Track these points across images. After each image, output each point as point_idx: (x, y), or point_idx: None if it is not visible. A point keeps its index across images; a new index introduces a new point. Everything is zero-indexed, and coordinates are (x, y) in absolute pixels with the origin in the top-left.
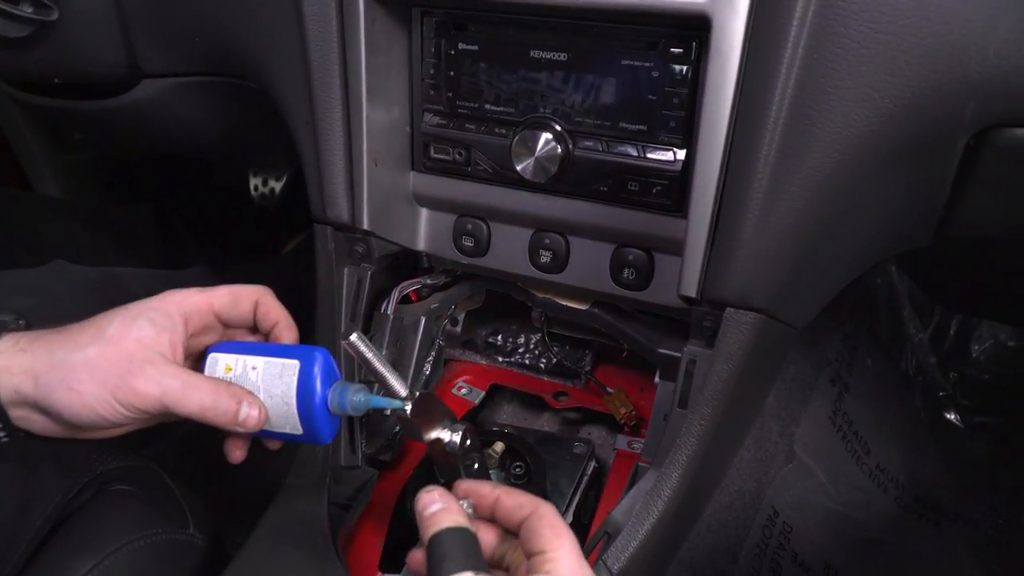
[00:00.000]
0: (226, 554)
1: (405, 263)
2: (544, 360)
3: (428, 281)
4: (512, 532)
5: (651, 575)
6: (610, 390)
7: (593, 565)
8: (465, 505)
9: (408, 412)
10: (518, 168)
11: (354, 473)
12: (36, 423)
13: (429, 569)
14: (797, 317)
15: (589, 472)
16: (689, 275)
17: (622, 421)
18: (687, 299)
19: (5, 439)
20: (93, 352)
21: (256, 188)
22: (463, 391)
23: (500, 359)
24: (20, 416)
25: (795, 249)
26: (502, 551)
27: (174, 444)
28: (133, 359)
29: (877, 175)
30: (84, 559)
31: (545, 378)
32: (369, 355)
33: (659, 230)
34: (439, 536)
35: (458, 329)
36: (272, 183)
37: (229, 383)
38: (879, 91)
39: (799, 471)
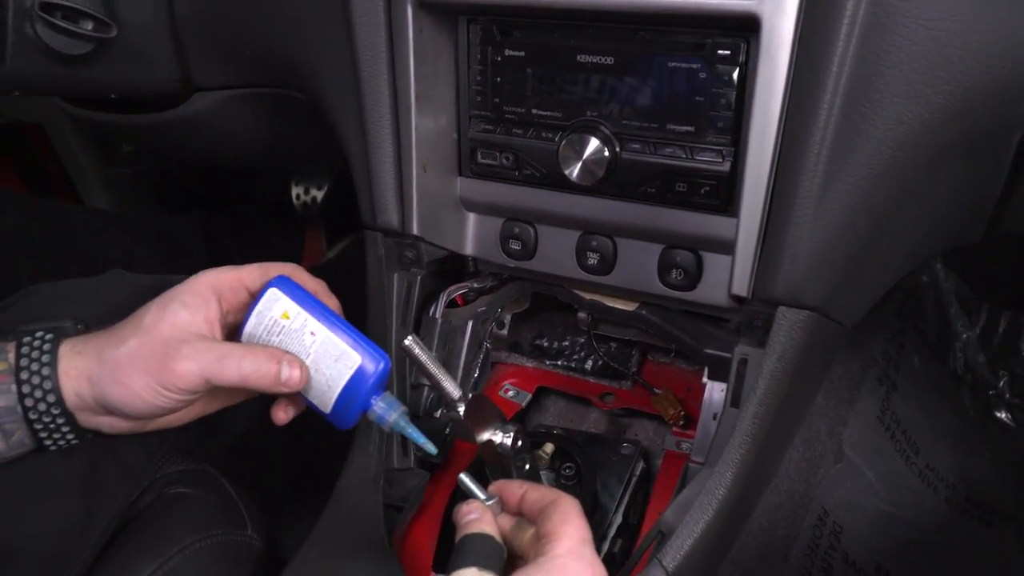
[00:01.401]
0: (280, 555)
1: (452, 268)
2: (590, 362)
3: (475, 285)
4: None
5: (704, 574)
6: (657, 391)
7: (647, 564)
8: (493, 502)
9: (461, 414)
10: (565, 172)
11: (405, 475)
12: (103, 423)
13: (451, 564)
14: (848, 315)
15: (638, 472)
16: (740, 274)
17: (671, 422)
18: (738, 299)
19: (75, 440)
20: (134, 344)
21: (298, 197)
22: (510, 393)
23: (546, 361)
24: (86, 418)
25: (847, 247)
26: (516, 536)
27: (227, 447)
28: (169, 343)
29: (928, 172)
30: (147, 560)
31: (591, 379)
32: (424, 358)
33: (707, 230)
34: (465, 538)
35: (505, 332)
36: (314, 191)
37: (264, 346)
38: (932, 87)
39: (848, 471)
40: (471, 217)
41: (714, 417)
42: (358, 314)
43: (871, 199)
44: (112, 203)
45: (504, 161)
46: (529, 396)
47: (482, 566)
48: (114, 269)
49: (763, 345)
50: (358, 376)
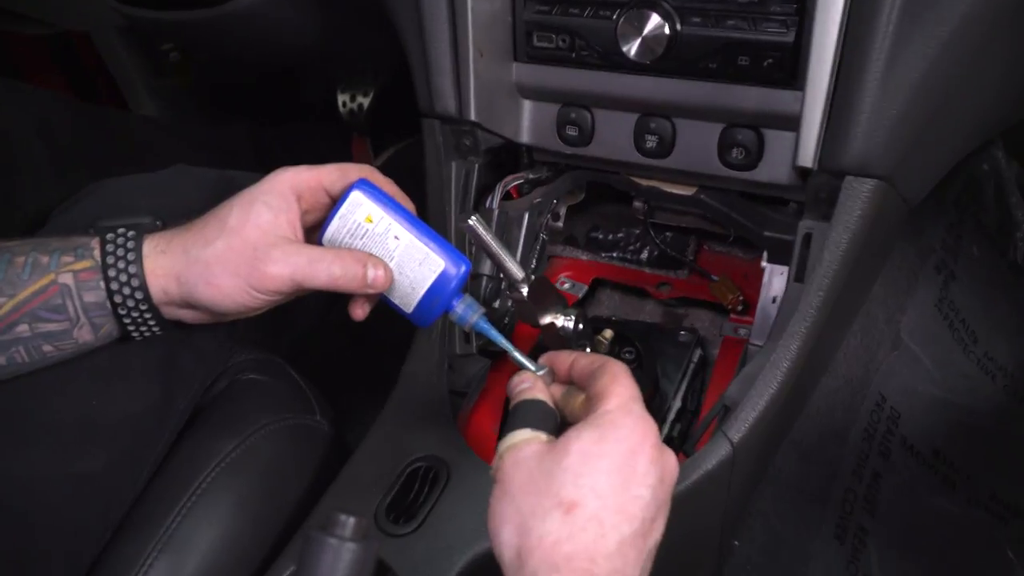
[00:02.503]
0: (346, 443)
1: (506, 160)
2: (645, 252)
3: (530, 176)
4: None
5: (767, 446)
6: (715, 277)
7: (710, 438)
8: (544, 372)
9: (524, 295)
10: (624, 49)
11: (468, 361)
12: (185, 315)
13: (503, 429)
14: (912, 189)
15: (695, 359)
16: (806, 145)
17: (729, 307)
18: (803, 171)
19: (159, 331)
20: (221, 246)
21: (344, 104)
22: (566, 286)
23: (602, 254)
24: (170, 312)
25: (917, 112)
26: (567, 403)
27: (290, 343)
28: (258, 246)
29: (998, 32)
30: (226, 439)
31: (647, 270)
32: (488, 238)
33: (770, 105)
34: (517, 405)
35: (560, 224)
36: (360, 99)
37: (350, 250)
38: None
39: (906, 358)
40: (526, 104)
41: (773, 300)
42: None
43: (942, 60)
44: (159, 114)
45: (560, 43)
46: (585, 288)
47: (535, 427)
48: (177, 164)
49: (828, 219)
50: (441, 279)
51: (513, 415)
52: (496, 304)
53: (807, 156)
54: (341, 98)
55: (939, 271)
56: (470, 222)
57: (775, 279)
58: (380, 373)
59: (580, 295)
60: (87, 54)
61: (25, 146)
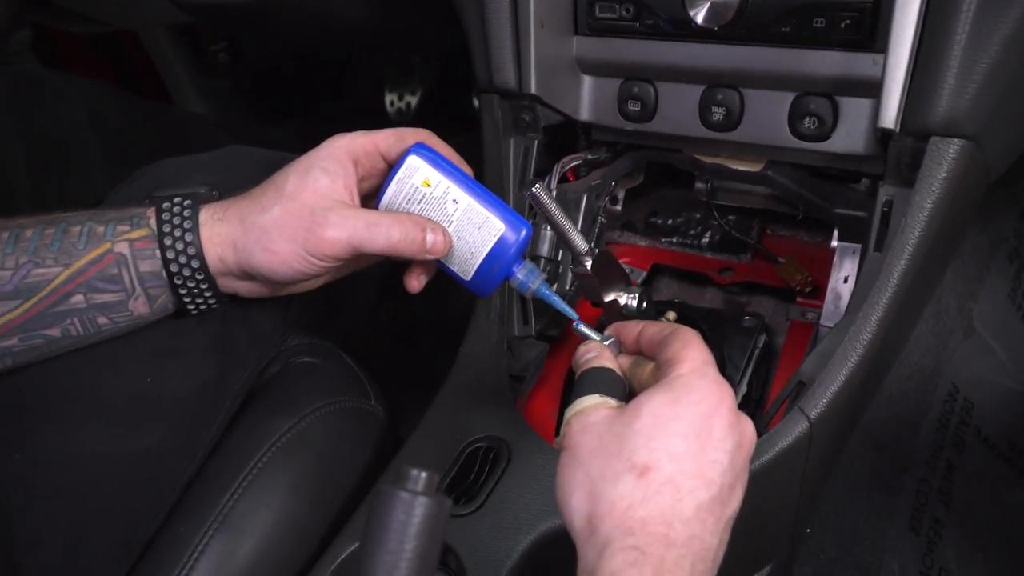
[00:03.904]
0: (399, 429)
1: (564, 142)
2: (707, 237)
3: (589, 156)
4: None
5: (843, 427)
6: (781, 259)
7: (784, 414)
8: (611, 342)
9: (588, 268)
10: (691, 13)
11: (525, 345)
12: (242, 287)
13: (572, 397)
14: (997, 155)
15: (760, 345)
16: (888, 106)
17: (798, 288)
18: (885, 135)
19: (215, 304)
20: (278, 211)
21: (392, 103)
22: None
23: (661, 239)
24: (226, 283)
25: (1007, 69)
26: (635, 374)
27: (343, 330)
28: (315, 211)
29: None
30: (282, 420)
31: (708, 255)
32: (552, 207)
33: (847, 69)
34: (584, 373)
35: (618, 208)
36: (408, 97)
37: (408, 213)
38: None
39: (978, 347)
40: (587, 80)
41: (845, 280)
42: None
43: None
44: (207, 113)
45: (623, 13)
46: (644, 274)
47: (603, 393)
48: (231, 145)
49: (911, 185)
50: (501, 243)
51: (579, 384)
52: (554, 288)
53: (889, 118)
54: (389, 97)
55: (1012, 260)
56: (534, 190)
57: (847, 258)
58: (427, 371)
59: (640, 280)
60: (135, 53)
61: (79, 136)
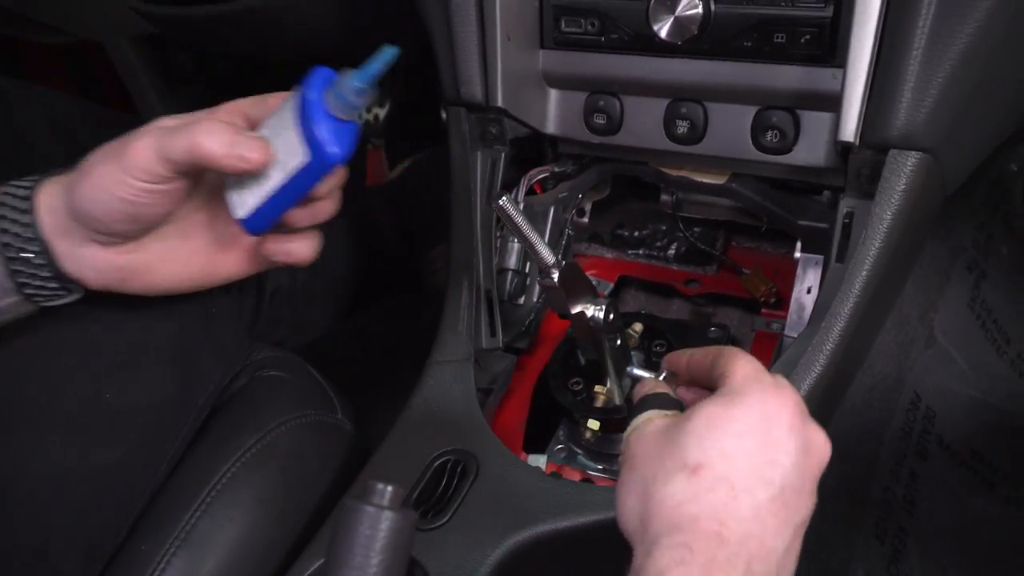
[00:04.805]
0: (367, 443)
1: (530, 155)
2: (673, 249)
3: (556, 169)
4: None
5: None
6: (746, 270)
7: None
8: (665, 375)
9: (555, 280)
10: (655, 28)
11: (493, 357)
12: (85, 260)
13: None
14: (953, 168)
15: None
16: (848, 119)
17: (762, 299)
18: (844, 148)
19: (59, 290)
20: (105, 146)
21: (360, 116)
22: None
23: (628, 251)
24: (65, 250)
25: (961, 83)
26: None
27: (308, 347)
28: (134, 133)
29: None
30: (247, 435)
31: (674, 267)
32: (519, 219)
33: (807, 83)
34: (642, 399)
35: (585, 220)
36: (376, 110)
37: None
38: None
39: (939, 357)
40: (553, 93)
41: (808, 291)
42: (430, 229)
43: (988, 28)
44: None
45: (589, 27)
46: (611, 286)
47: (657, 407)
48: None
49: (870, 196)
50: (301, 91)
51: (637, 407)
52: (522, 300)
53: (848, 131)
54: None
55: (970, 270)
56: (501, 202)
57: (810, 269)
58: (394, 383)
59: (606, 293)
60: (98, 64)
61: (42, 146)
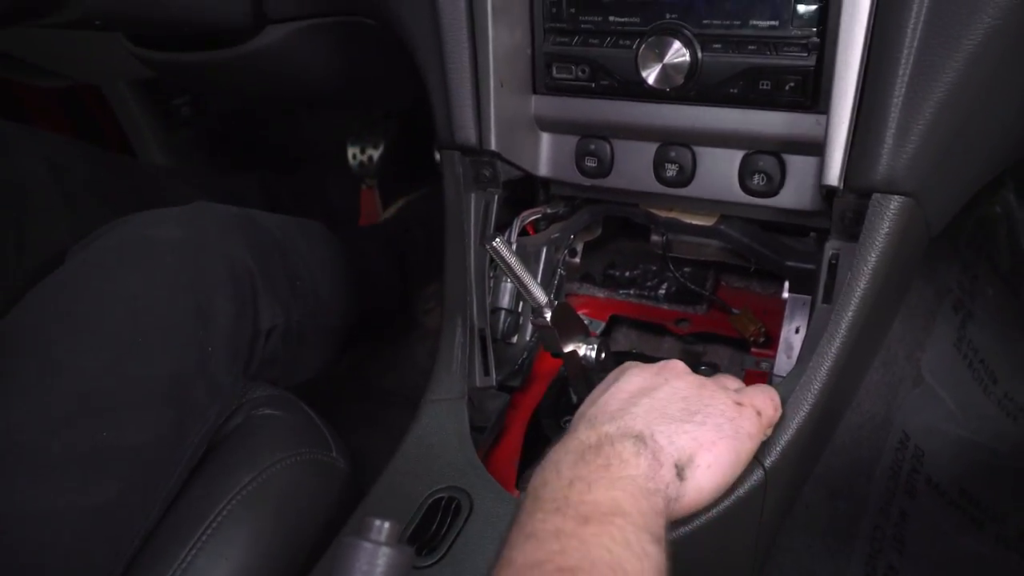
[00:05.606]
0: (361, 482)
1: (523, 196)
2: (663, 289)
3: (548, 210)
4: None
5: (798, 475)
6: (735, 310)
7: None
8: None
9: (548, 320)
10: (644, 74)
11: (487, 395)
12: None
13: None
14: (936, 211)
15: None
16: (831, 164)
17: (751, 339)
18: (829, 192)
19: None
20: None
21: (354, 156)
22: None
23: (619, 291)
24: None
25: (942, 129)
26: None
27: (302, 387)
28: None
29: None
30: (242, 473)
31: (665, 306)
32: (512, 260)
33: (792, 129)
34: None
35: (577, 260)
36: (370, 151)
37: None
38: None
39: (927, 396)
40: (545, 137)
41: (796, 331)
42: (423, 268)
43: (967, 75)
44: (169, 165)
45: (580, 74)
46: (603, 325)
47: None
48: (199, 200)
49: (855, 239)
50: None
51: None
52: (515, 339)
53: (832, 176)
54: (351, 150)
55: (956, 311)
56: (494, 243)
57: (798, 310)
58: (389, 421)
59: (598, 332)
60: (97, 108)
61: (38, 189)
